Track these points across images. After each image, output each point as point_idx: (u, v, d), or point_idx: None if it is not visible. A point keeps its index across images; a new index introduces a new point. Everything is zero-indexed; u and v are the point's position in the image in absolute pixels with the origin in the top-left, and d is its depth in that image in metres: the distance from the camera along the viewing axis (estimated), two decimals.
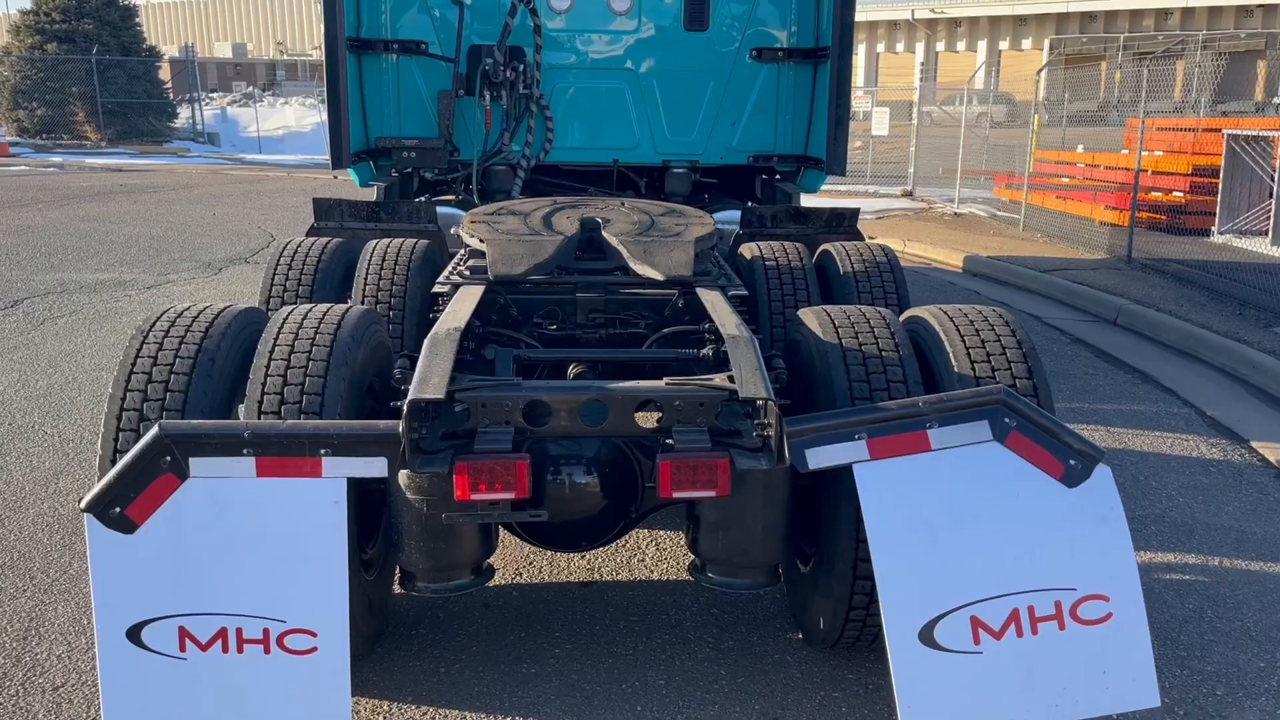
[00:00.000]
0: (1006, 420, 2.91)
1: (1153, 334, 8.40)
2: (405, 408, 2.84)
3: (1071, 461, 2.91)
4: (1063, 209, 14.50)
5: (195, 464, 2.80)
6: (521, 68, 6.67)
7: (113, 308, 8.89)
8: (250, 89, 50.74)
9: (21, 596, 3.96)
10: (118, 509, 2.77)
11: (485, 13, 6.74)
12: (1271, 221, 11.14)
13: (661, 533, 4.58)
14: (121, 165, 25.33)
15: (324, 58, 6.26)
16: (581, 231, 4.54)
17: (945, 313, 3.63)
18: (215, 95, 46.96)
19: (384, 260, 4.75)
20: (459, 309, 3.67)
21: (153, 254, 11.72)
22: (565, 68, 6.95)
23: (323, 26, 6.26)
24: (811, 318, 3.63)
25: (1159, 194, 13.43)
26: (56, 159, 26.74)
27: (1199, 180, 12.90)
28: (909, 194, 19.30)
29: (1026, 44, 45.70)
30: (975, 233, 14.22)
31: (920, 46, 48.20)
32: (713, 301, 3.89)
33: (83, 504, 2.77)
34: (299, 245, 4.99)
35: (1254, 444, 5.88)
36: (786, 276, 4.98)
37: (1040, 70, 16.82)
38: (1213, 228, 12.24)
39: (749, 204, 7.58)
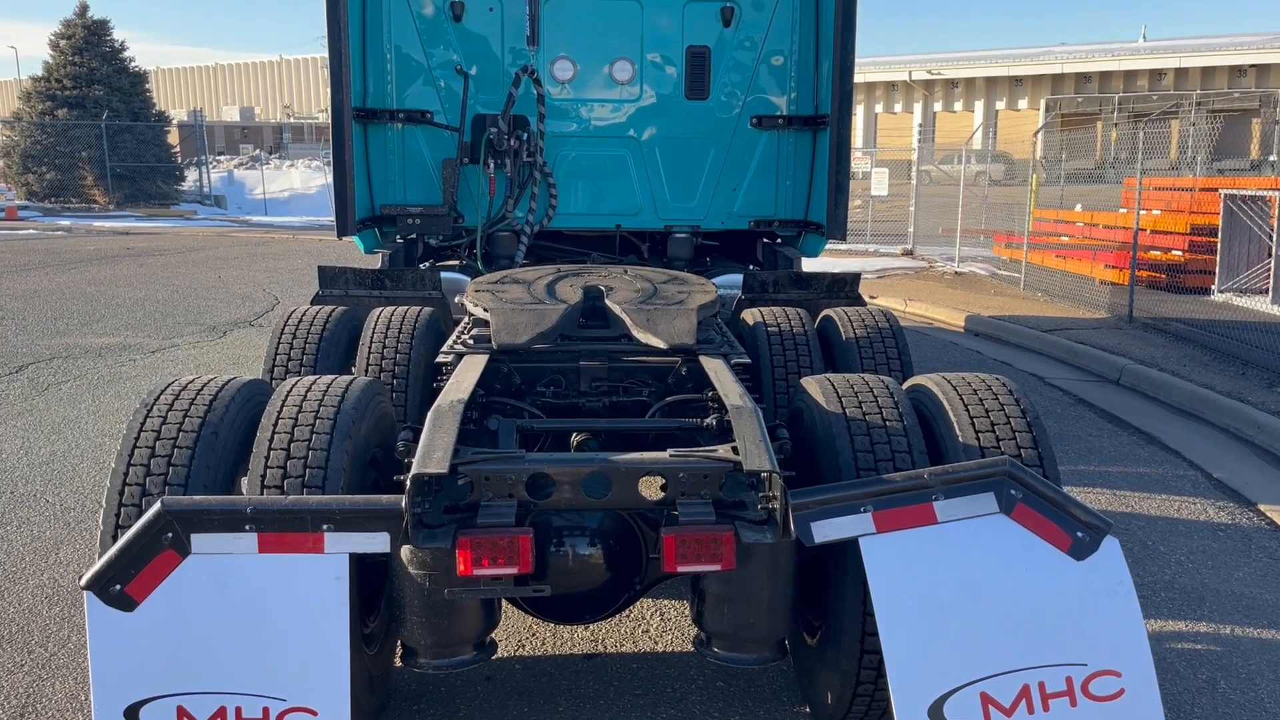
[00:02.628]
0: (1012, 492, 2.90)
1: (1156, 394, 8.39)
2: (409, 482, 2.83)
3: (1079, 534, 2.89)
4: (1063, 268, 14.58)
5: (197, 540, 2.79)
6: (525, 136, 6.76)
7: (117, 372, 8.91)
8: (257, 152, 51.41)
9: (19, 671, 3.92)
10: (118, 586, 2.75)
11: (489, 82, 6.85)
12: (1271, 280, 11.20)
13: (665, 602, 4.53)
14: (129, 228, 25.57)
15: (330, 127, 6.36)
16: (584, 300, 4.56)
17: (948, 381, 3.63)
18: (223, 158, 47.55)
19: (388, 329, 4.78)
20: (462, 380, 3.68)
21: (158, 317, 11.78)
22: (568, 135, 7.05)
23: (329, 95, 6.36)
24: (815, 386, 3.63)
25: (1158, 253, 13.51)
26: (65, 222, 27.00)
27: (1197, 239, 12.99)
28: (909, 253, 19.42)
29: (1023, 104, 46.29)
30: (976, 292, 14.28)
31: (918, 107, 48.83)
32: (716, 370, 3.89)
33: (83, 581, 2.75)
34: (303, 314, 5.01)
35: (1261, 507, 5.84)
36: (789, 343, 5.00)
37: (1037, 132, 17.02)
38: (1212, 286, 12.30)
39: (750, 268, 7.63)
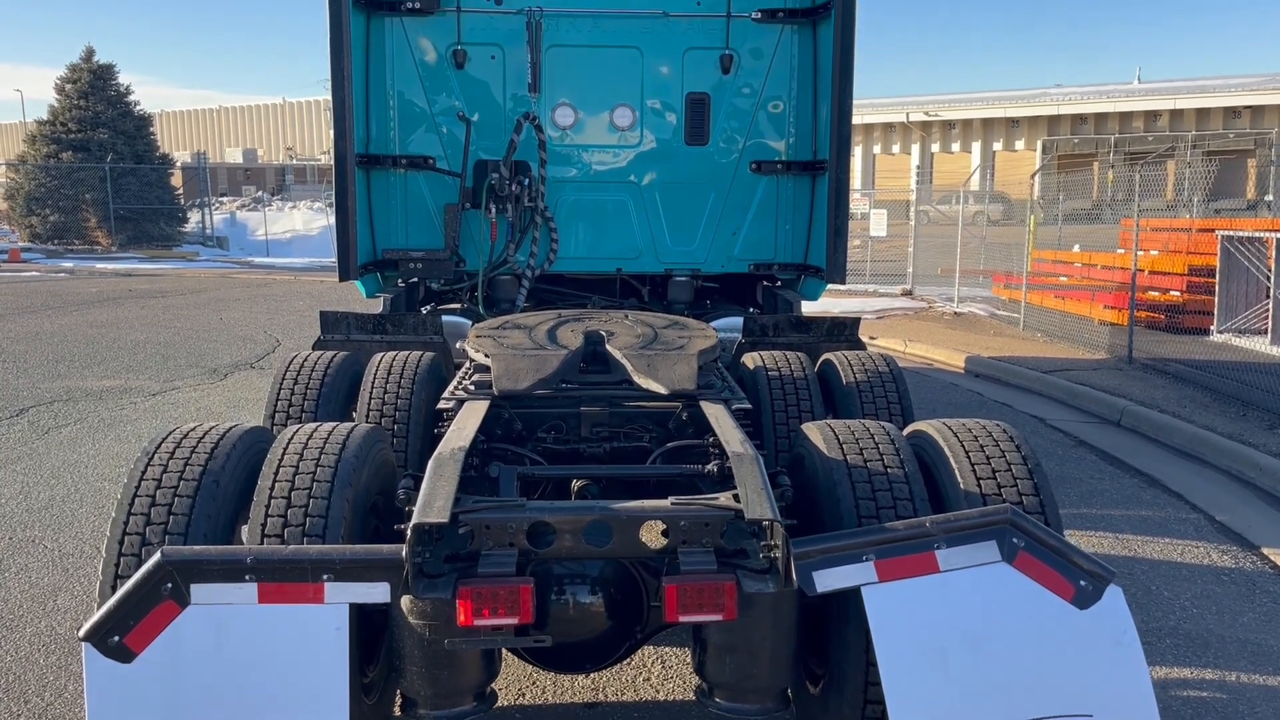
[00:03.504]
0: (1014, 540, 2.89)
1: (1157, 435, 8.38)
2: (409, 532, 2.82)
3: (1082, 582, 2.88)
4: (1062, 308, 14.63)
5: (196, 591, 2.78)
6: (527, 181, 6.81)
7: (118, 415, 8.91)
8: (260, 193, 51.78)
9: None
10: (116, 637, 2.74)
11: (491, 128, 6.92)
12: (1270, 321, 11.23)
13: (667, 649, 4.50)
14: (131, 270, 25.69)
15: (334, 172, 6.41)
16: (585, 345, 4.58)
17: (949, 427, 3.64)
18: (225, 199, 47.89)
19: (389, 375, 4.79)
20: (463, 427, 3.68)
21: (159, 360, 11.80)
22: (569, 180, 7.10)
23: (333, 141, 6.42)
24: (816, 433, 3.63)
25: (1156, 293, 13.57)
26: (67, 264, 27.15)
27: (1195, 280, 13.05)
28: (909, 293, 19.50)
29: (1020, 145, 46.71)
30: (976, 332, 14.31)
31: (916, 148, 49.24)
32: (716, 416, 3.89)
33: (81, 633, 2.74)
34: (304, 360, 5.02)
35: (1265, 550, 5.82)
36: (790, 387, 5.00)
37: (1034, 174, 17.15)
38: (1211, 327, 12.33)
39: (751, 310, 7.67)
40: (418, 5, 6.65)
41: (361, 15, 6.61)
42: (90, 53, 33.06)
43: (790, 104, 7.04)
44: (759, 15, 6.83)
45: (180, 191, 36.16)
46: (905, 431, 3.82)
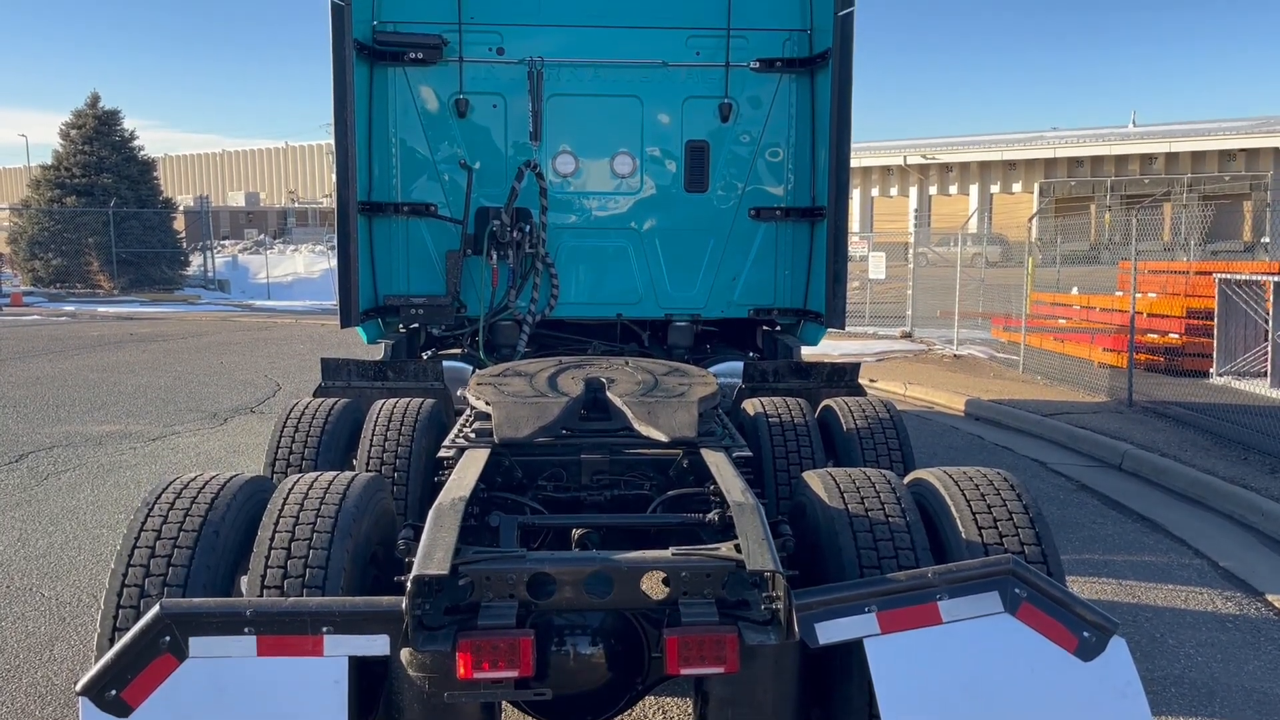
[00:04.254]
0: (1017, 591, 2.88)
1: (1158, 480, 8.36)
2: (409, 584, 2.81)
3: (1085, 634, 2.86)
4: (1061, 350, 14.65)
5: (195, 643, 2.76)
6: (528, 228, 6.87)
7: (117, 461, 8.90)
8: (261, 236, 52.08)
9: None
10: (114, 691, 2.72)
11: (492, 175, 6.98)
12: (1269, 364, 11.24)
13: (668, 699, 4.46)
14: (133, 313, 25.77)
15: (336, 220, 6.46)
16: (586, 392, 4.59)
17: (950, 476, 3.63)
18: (227, 243, 48.18)
19: (389, 422, 4.79)
20: (464, 476, 3.68)
21: (160, 404, 11.80)
22: (570, 227, 7.16)
23: (335, 189, 6.48)
24: (817, 481, 3.63)
25: (1155, 336, 13.59)
26: (69, 308, 27.24)
27: (1194, 322, 13.08)
28: (908, 335, 19.54)
29: (1017, 187, 47.07)
30: (975, 375, 14.33)
31: (914, 190, 49.60)
32: (717, 464, 3.89)
33: (79, 686, 2.72)
34: (305, 408, 5.03)
35: (1269, 597, 5.78)
36: (790, 434, 5.00)
37: (1031, 218, 17.26)
38: (1211, 370, 12.34)
39: (750, 354, 7.69)
40: (421, 56, 6.75)
41: (365, 65, 6.70)
42: (95, 98, 33.42)
43: (789, 151, 7.11)
44: (757, 65, 6.93)
45: (182, 235, 36.37)
46: (906, 479, 3.82)
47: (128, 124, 34.01)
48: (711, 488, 3.83)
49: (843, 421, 5.14)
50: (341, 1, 6.19)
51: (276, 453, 4.81)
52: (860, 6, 6.40)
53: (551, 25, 6.85)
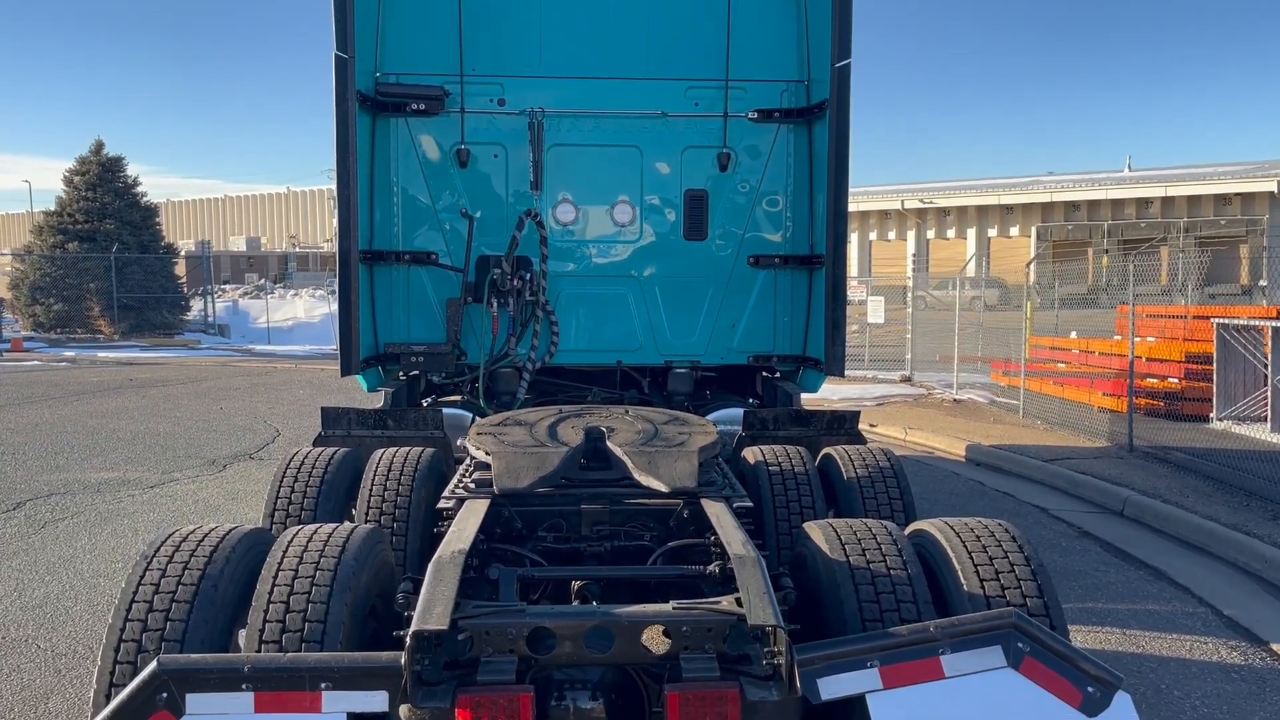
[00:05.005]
0: (1020, 645, 2.87)
1: (1161, 526, 8.33)
2: (408, 639, 2.80)
3: (1089, 688, 2.84)
4: (1061, 394, 14.65)
5: (192, 700, 2.74)
6: (528, 276, 6.91)
7: (115, 509, 8.86)
8: (262, 281, 52.27)
9: None
10: None
11: (493, 224, 7.03)
12: (1270, 409, 11.24)
13: None
14: (133, 359, 25.79)
15: (337, 269, 6.50)
16: (586, 441, 4.59)
17: (951, 527, 3.63)
18: (228, 287, 48.34)
19: (389, 472, 4.79)
20: (463, 528, 3.67)
21: (158, 451, 11.78)
22: (570, 274, 7.20)
23: (336, 237, 6.53)
24: (818, 533, 3.62)
25: (1154, 380, 13.60)
26: (69, 353, 27.27)
27: (1193, 367, 13.09)
28: (908, 379, 19.55)
29: (1014, 231, 47.31)
30: (975, 419, 14.31)
31: (911, 234, 49.88)
32: (718, 515, 3.89)
33: None
34: (304, 458, 5.02)
35: (1274, 646, 5.74)
36: (791, 483, 5.00)
37: (1029, 263, 17.36)
38: (1211, 414, 12.33)
39: (750, 400, 7.70)
40: (423, 107, 6.82)
41: (368, 116, 6.78)
42: (100, 145, 33.71)
43: (787, 200, 7.17)
44: (755, 115, 7.01)
45: (184, 280, 36.52)
46: (907, 530, 3.81)
47: (131, 170, 34.31)
48: (712, 539, 3.82)
49: (843, 470, 5.14)
50: (345, 54, 6.28)
51: (276, 503, 4.80)
52: (856, 56, 6.50)
53: (552, 77, 6.94)
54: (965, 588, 3.33)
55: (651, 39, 7.00)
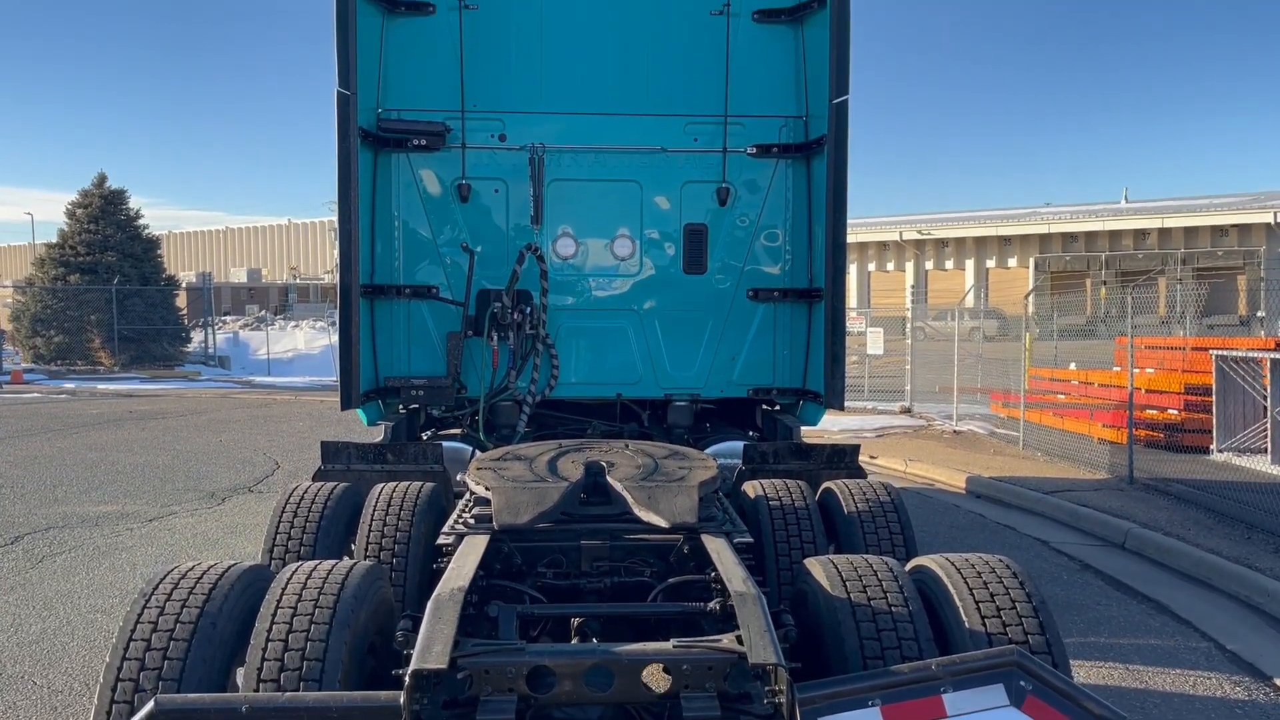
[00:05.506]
0: (1022, 684, 2.85)
1: (1162, 559, 8.30)
2: (407, 678, 2.79)
3: None
4: (1060, 426, 14.65)
5: None
6: (528, 309, 6.93)
7: (113, 543, 8.83)
8: (262, 312, 52.34)
9: None
10: None
11: (494, 258, 7.06)
12: (1270, 441, 11.23)
13: None
14: (133, 390, 25.79)
15: (338, 303, 6.52)
16: (586, 476, 4.58)
17: (952, 563, 3.62)
18: (228, 319, 48.42)
19: (388, 508, 4.78)
20: (463, 565, 3.66)
21: (157, 484, 11.75)
22: (570, 308, 7.22)
23: (338, 270, 6.55)
24: (819, 569, 3.62)
25: (1154, 411, 13.60)
26: (69, 385, 27.26)
27: (1192, 398, 13.09)
28: (907, 410, 19.54)
29: (1012, 262, 47.49)
30: (975, 451, 14.30)
31: (910, 265, 50.05)
32: (718, 550, 3.88)
33: None
34: (304, 494, 5.02)
35: (1277, 681, 5.70)
36: (791, 518, 4.99)
37: (1028, 295, 17.40)
38: (1211, 446, 12.32)
39: (750, 433, 7.69)
40: (424, 143, 6.88)
41: (369, 151, 6.83)
42: (102, 178, 33.89)
43: (786, 234, 7.21)
44: (754, 150, 7.06)
45: (184, 311, 36.60)
46: (908, 566, 3.80)
47: (134, 203, 34.48)
48: (712, 574, 3.81)
49: (844, 505, 5.13)
50: (347, 90, 6.33)
51: (275, 538, 4.79)
52: (853, 90, 6.55)
53: (553, 113, 6.99)
54: (967, 624, 3.32)
55: (651, 75, 7.06)
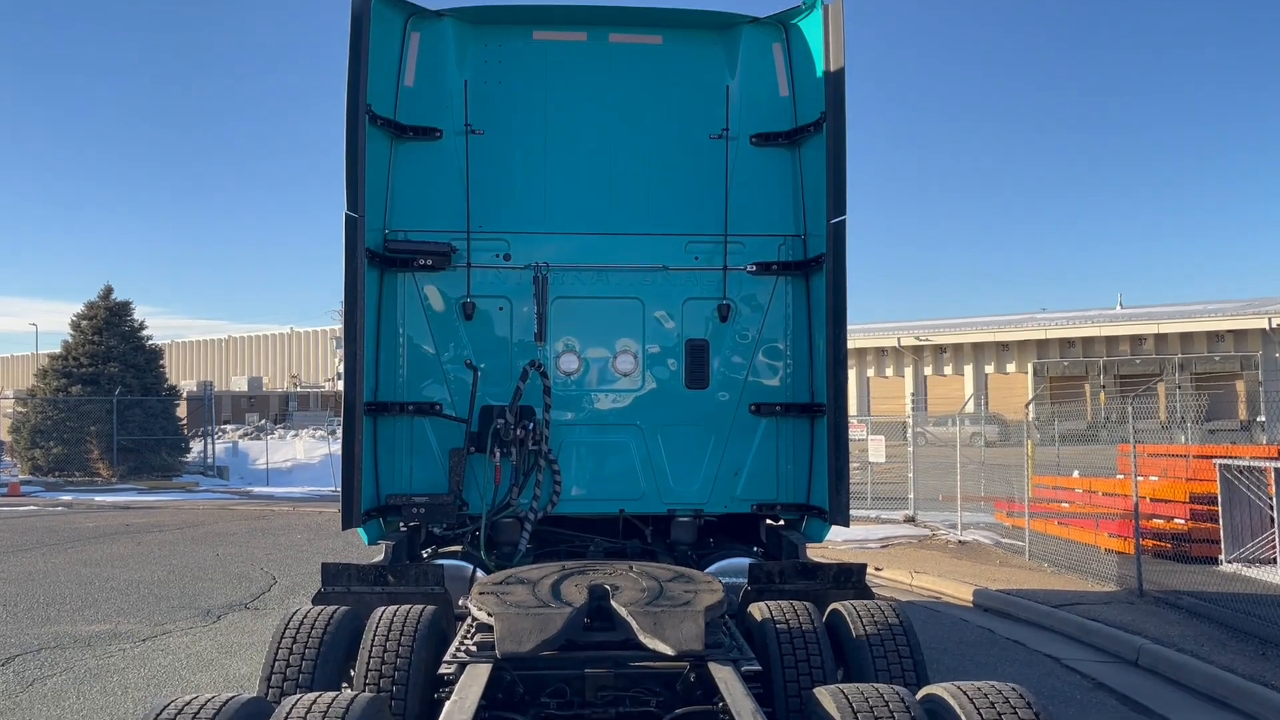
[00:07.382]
0: None
1: (1176, 677, 8.12)
2: None
3: None
4: (1066, 535, 14.50)
5: None
6: (531, 425, 6.94)
7: (106, 664, 8.65)
8: (263, 421, 52.32)
9: None
10: None
11: (497, 375, 7.11)
12: (1279, 551, 11.11)
13: None
14: (130, 503, 25.58)
15: (342, 421, 6.54)
16: (590, 600, 4.53)
17: (964, 692, 3.55)
18: (228, 427, 48.37)
19: (389, 634, 4.70)
20: (464, 698, 3.60)
21: (152, 601, 11.57)
22: (573, 424, 7.23)
23: (342, 389, 6.59)
24: (829, 700, 3.55)
25: (1160, 521, 13.47)
26: (66, 497, 27.06)
27: (1198, 508, 12.99)
28: (911, 519, 19.36)
29: (1011, 367, 47.72)
30: (981, 562, 14.12)
31: (909, 371, 50.27)
32: (726, 680, 3.82)
33: None
34: (303, 619, 4.94)
35: None
36: (799, 642, 4.90)
37: (1028, 404, 17.45)
38: (1220, 556, 12.18)
39: (754, 548, 7.61)
40: (430, 263, 7.00)
41: (376, 271, 6.94)
42: (109, 291, 34.32)
43: (786, 348, 7.28)
44: (754, 268, 7.18)
45: (184, 421, 36.59)
46: (920, 695, 3.73)
47: (138, 313, 34.83)
48: (720, 705, 3.74)
49: (852, 628, 5.05)
50: (355, 213, 6.47)
51: (273, 666, 4.70)
52: (851, 206, 6.67)
53: (556, 233, 7.14)
54: None
55: (652, 196, 7.23)
